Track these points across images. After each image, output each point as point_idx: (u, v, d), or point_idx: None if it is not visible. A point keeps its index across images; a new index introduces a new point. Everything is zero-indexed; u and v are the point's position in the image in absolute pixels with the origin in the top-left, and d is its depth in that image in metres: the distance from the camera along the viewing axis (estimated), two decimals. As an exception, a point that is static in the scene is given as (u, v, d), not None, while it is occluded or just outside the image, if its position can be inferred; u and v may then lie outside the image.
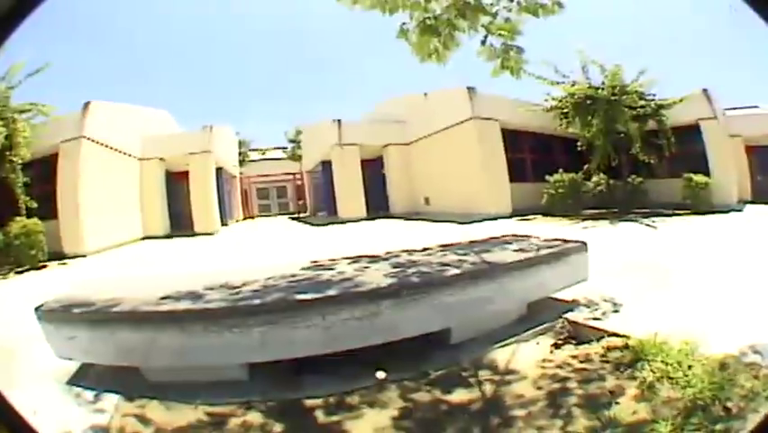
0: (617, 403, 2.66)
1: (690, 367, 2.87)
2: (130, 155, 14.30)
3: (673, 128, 12.75)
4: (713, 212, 11.11)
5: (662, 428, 2.35)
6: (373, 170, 18.10)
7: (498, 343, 3.73)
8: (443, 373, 3.31)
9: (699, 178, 11.95)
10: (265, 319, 3.11)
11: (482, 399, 2.97)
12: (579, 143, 13.17)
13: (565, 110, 13.33)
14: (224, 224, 16.98)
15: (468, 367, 3.38)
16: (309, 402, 3.03)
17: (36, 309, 3.39)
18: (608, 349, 3.39)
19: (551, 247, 4.72)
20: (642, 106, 12.63)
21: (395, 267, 4.10)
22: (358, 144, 17.41)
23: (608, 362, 3.22)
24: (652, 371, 2.91)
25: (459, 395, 3.01)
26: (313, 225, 16.44)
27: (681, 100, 12.64)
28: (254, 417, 2.87)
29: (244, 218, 23.12)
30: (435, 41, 4.29)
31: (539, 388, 3.01)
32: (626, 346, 3.32)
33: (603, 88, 12.67)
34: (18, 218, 9.53)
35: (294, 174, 26.37)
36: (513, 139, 14.59)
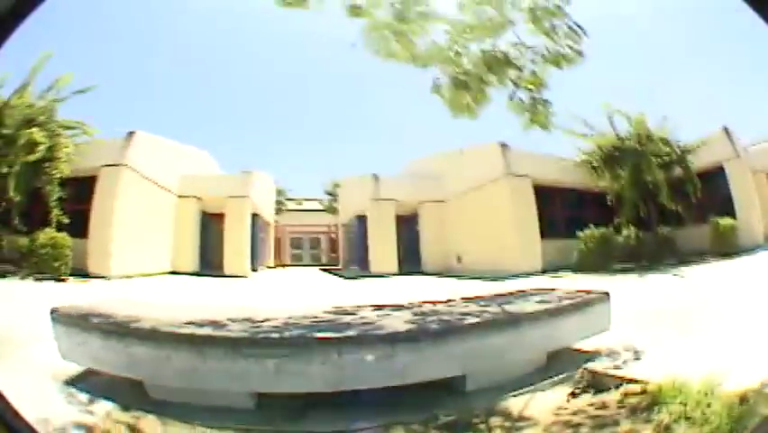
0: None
1: (708, 405, 2.83)
2: (168, 190, 14.87)
3: (698, 172, 12.51)
4: (742, 254, 10.80)
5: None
6: (407, 227, 18.29)
7: (514, 391, 3.70)
8: (453, 418, 3.31)
9: (726, 221, 11.62)
10: (281, 352, 3.23)
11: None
12: (608, 196, 13.09)
13: (595, 164, 13.37)
14: (254, 269, 17.28)
15: (479, 413, 3.37)
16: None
17: (51, 311, 3.63)
18: (626, 395, 3.35)
19: (573, 298, 4.73)
20: (667, 153, 12.56)
21: (416, 315, 4.22)
22: (394, 200, 17.75)
23: (624, 407, 3.19)
24: (669, 413, 2.88)
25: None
26: (343, 276, 16.60)
27: (703, 143, 12.50)
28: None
29: (276, 266, 23.40)
30: (467, 96, 4.58)
31: (550, 433, 3.01)
32: (644, 391, 3.28)
33: (629, 138, 12.72)
34: (48, 229, 9.82)
35: (329, 226, 26.86)
36: (544, 194, 14.63)
